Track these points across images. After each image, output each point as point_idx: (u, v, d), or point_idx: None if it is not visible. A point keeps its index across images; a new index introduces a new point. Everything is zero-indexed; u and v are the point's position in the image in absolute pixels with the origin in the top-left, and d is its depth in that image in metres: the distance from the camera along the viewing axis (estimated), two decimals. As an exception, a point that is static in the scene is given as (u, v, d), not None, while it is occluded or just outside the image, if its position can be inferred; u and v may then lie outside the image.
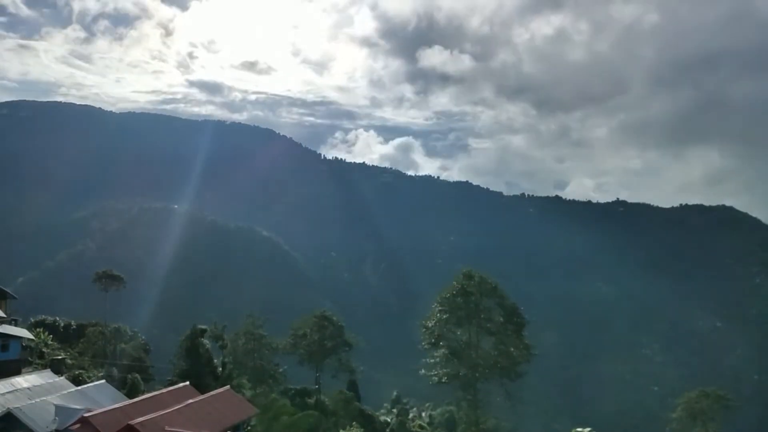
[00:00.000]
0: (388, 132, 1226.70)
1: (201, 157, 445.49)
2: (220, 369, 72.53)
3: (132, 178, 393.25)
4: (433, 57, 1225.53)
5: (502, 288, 57.24)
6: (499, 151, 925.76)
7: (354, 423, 68.26)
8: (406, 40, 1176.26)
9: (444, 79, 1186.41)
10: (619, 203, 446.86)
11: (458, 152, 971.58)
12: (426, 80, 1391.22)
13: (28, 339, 56.29)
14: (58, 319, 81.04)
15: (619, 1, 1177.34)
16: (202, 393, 44.10)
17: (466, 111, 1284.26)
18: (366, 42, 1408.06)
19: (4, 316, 56.22)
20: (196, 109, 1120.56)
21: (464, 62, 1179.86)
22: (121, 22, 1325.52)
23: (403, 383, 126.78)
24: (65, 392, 41.58)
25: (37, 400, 38.16)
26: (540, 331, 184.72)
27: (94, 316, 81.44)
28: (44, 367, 52.10)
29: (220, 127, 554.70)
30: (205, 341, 73.62)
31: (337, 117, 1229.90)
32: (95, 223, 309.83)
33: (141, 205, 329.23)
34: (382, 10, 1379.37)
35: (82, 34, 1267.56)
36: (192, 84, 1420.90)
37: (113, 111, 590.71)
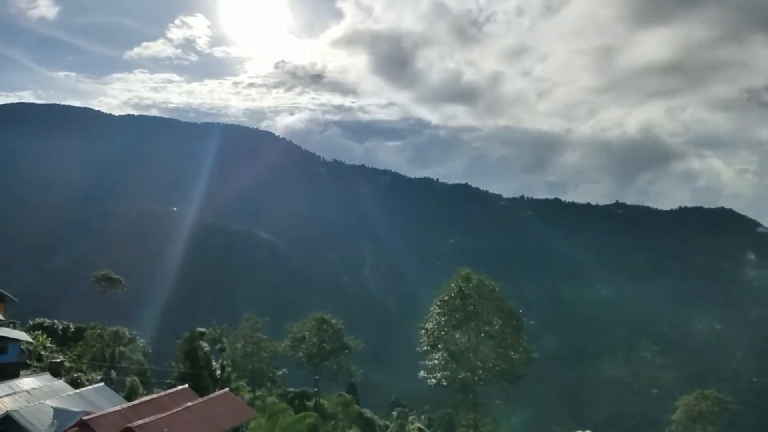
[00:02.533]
0: (387, 133, 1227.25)
1: (201, 160, 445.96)
2: (219, 372, 72.50)
3: (131, 180, 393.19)
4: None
5: (501, 290, 57.09)
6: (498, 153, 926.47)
7: (353, 426, 68.31)
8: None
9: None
10: (618, 205, 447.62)
11: (458, 153, 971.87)
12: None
13: (27, 342, 56.17)
14: (56, 321, 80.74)
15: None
16: (201, 396, 44.05)
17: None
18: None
19: (3, 318, 56.12)
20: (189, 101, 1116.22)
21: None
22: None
23: (402, 386, 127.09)
24: (64, 395, 41.49)
25: (36, 403, 38.07)
26: (539, 333, 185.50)
27: (93, 318, 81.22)
28: (43, 370, 51.97)
29: (219, 129, 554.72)
30: (204, 344, 73.65)
31: (338, 118, 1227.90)
32: (95, 226, 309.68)
33: (140, 207, 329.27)
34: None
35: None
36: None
37: (113, 113, 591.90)
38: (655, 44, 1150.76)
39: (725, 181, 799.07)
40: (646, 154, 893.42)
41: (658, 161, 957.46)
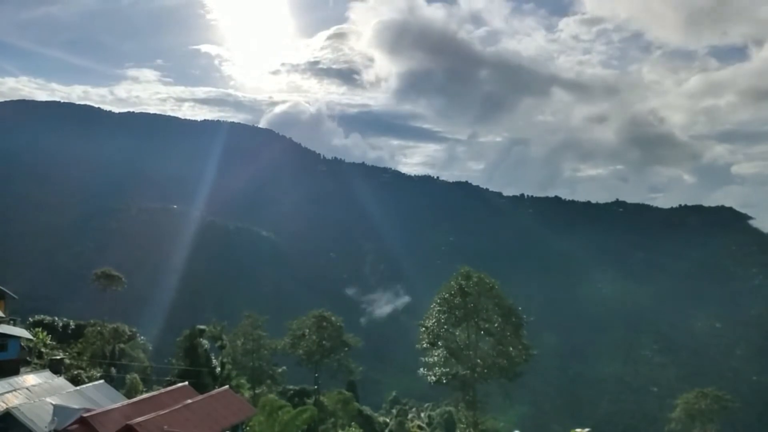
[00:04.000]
0: (386, 132, 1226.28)
1: (201, 158, 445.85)
2: (219, 369, 72.59)
3: (132, 178, 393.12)
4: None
5: (500, 288, 57.14)
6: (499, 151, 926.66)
7: (353, 423, 68.45)
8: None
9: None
10: (618, 204, 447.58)
11: (459, 152, 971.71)
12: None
13: (27, 339, 56.25)
14: (56, 319, 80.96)
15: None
16: (201, 393, 44.13)
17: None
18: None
19: (3, 316, 56.26)
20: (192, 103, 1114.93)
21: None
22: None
23: (401, 384, 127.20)
24: (64, 392, 41.56)
25: (36, 400, 38.17)
26: (539, 331, 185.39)
27: (94, 316, 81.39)
28: (43, 367, 52.04)
29: (220, 127, 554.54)
30: (204, 341, 73.74)
31: (338, 115, 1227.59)
32: (95, 224, 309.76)
33: (140, 205, 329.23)
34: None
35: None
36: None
37: (112, 110, 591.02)
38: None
39: (725, 179, 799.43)
40: (647, 151, 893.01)
41: (658, 157, 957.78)
